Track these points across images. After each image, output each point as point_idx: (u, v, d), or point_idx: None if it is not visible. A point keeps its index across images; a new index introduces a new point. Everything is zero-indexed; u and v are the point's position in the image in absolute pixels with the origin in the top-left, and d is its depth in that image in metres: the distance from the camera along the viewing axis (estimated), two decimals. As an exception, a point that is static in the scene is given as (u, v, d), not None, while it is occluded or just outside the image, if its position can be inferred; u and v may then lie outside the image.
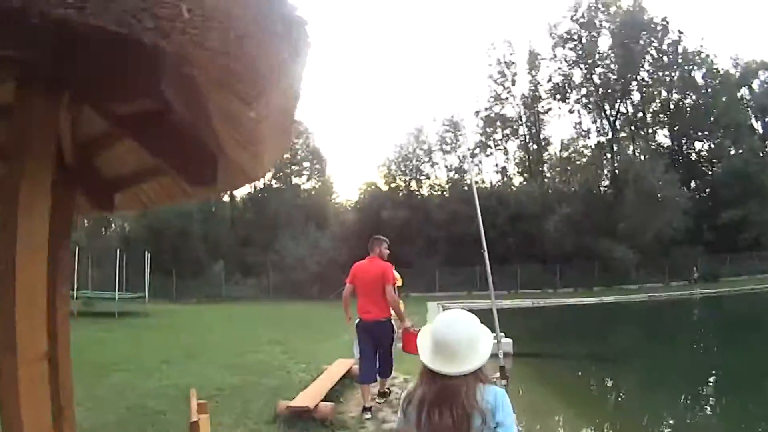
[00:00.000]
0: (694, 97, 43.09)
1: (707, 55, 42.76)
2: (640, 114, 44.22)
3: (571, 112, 44.16)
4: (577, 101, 43.95)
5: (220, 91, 1.72)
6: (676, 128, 43.58)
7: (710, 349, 15.21)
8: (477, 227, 7.75)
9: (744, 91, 43.74)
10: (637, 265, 35.36)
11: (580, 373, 11.78)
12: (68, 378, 2.45)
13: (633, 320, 23.93)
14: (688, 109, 43.13)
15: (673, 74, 42.84)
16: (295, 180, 43.74)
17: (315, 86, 72.74)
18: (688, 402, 9.35)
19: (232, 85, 1.65)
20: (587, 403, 9.07)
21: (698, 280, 31.62)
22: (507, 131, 45.26)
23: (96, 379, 8.02)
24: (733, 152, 40.41)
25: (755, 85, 43.87)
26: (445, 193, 43.72)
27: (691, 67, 42.71)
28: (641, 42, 41.33)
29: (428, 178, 44.54)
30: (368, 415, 6.17)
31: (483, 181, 44.56)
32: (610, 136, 42.75)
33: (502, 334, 8.81)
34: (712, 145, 42.42)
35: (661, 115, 44.55)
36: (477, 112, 45.11)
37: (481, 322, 2.05)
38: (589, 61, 42.40)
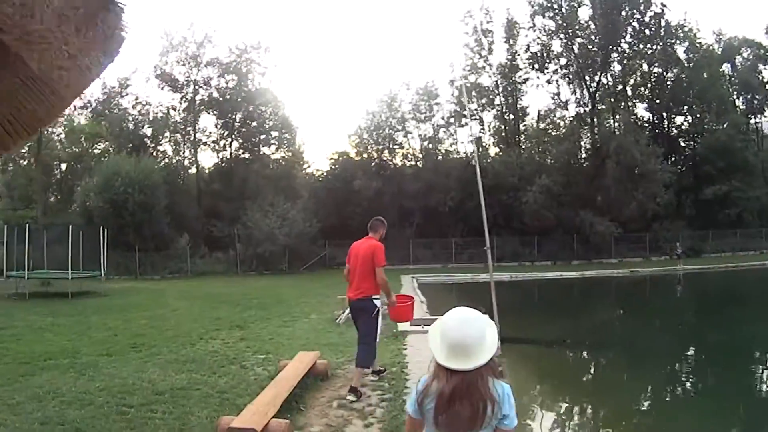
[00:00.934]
0: (675, 71, 42.49)
1: (690, 29, 42.36)
2: (620, 87, 43.41)
3: (549, 82, 43.25)
4: (555, 72, 43.01)
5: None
6: (657, 102, 43.03)
7: (724, 329, 14.11)
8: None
9: (726, 67, 43.50)
10: (617, 239, 35.10)
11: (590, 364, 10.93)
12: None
13: (622, 297, 23.46)
14: (669, 83, 42.56)
15: (655, 47, 42.05)
16: (264, 150, 42.09)
17: (285, 52, 70.52)
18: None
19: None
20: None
21: (681, 256, 31.28)
22: (483, 101, 44.21)
23: (18, 380, 6.84)
24: (716, 128, 39.89)
25: (738, 61, 43.65)
26: (419, 163, 42.85)
27: (673, 40, 42.01)
28: (623, 13, 40.41)
29: (402, 147, 43.52)
30: (352, 398, 5.91)
31: (458, 152, 43.90)
32: (589, 108, 41.93)
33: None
34: (694, 120, 41.90)
35: (641, 89, 43.90)
36: (452, 81, 43.99)
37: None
38: (569, 31, 41.34)
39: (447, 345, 2.00)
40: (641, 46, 42.03)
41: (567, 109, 43.68)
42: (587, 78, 41.90)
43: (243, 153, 41.60)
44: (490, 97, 44.09)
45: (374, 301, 6.40)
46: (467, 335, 1.98)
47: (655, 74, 43.25)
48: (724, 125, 39.40)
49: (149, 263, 31.27)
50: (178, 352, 8.68)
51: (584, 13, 41.62)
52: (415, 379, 6.43)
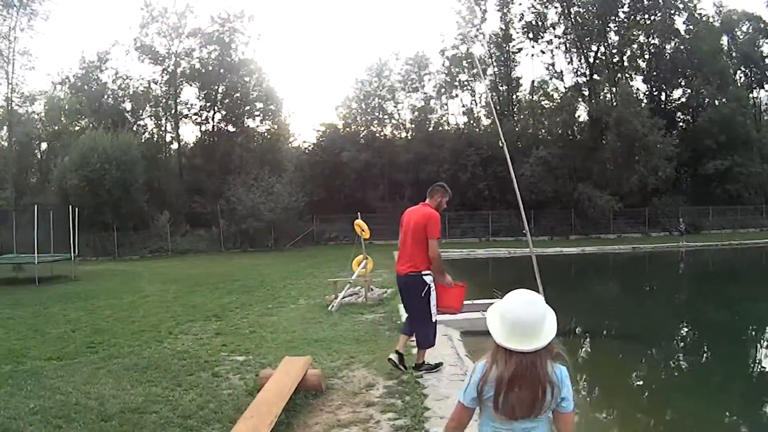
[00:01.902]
0: (674, 42, 41.20)
1: (689, 0, 40.84)
2: (617, 58, 41.97)
3: (543, 52, 41.95)
4: (549, 42, 41.63)
5: None
6: (654, 74, 41.82)
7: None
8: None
9: (726, 40, 42.42)
10: (616, 214, 34.19)
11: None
12: None
13: (639, 275, 22.19)
14: (667, 55, 41.23)
15: (653, 17, 40.59)
16: (248, 122, 40.44)
17: (269, 21, 68.09)
18: None
19: None
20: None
21: (684, 233, 30.38)
22: (475, 71, 42.65)
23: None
24: (718, 101, 38.76)
25: (739, 33, 42.59)
26: (410, 134, 41.51)
27: (672, 11, 40.56)
28: (621, -18, 38.85)
29: (392, 117, 42.00)
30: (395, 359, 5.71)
31: (448, 123, 42.68)
32: (587, 79, 40.64)
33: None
34: (693, 93, 40.59)
35: (639, 60, 42.54)
36: (443, 51, 42.39)
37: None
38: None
39: (508, 325, 1.95)
40: (639, 16, 40.69)
41: (562, 80, 42.56)
42: (584, 48, 40.36)
43: (226, 125, 40.08)
44: (483, 67, 42.55)
45: (424, 277, 5.60)
46: (528, 316, 1.95)
47: (653, 46, 41.87)
48: (724, 99, 38.29)
49: (128, 243, 30.03)
50: (140, 353, 7.32)
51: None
52: (436, 396, 5.20)
